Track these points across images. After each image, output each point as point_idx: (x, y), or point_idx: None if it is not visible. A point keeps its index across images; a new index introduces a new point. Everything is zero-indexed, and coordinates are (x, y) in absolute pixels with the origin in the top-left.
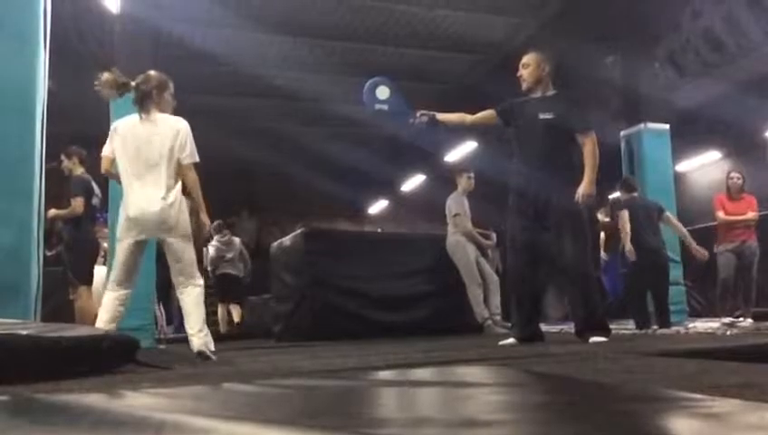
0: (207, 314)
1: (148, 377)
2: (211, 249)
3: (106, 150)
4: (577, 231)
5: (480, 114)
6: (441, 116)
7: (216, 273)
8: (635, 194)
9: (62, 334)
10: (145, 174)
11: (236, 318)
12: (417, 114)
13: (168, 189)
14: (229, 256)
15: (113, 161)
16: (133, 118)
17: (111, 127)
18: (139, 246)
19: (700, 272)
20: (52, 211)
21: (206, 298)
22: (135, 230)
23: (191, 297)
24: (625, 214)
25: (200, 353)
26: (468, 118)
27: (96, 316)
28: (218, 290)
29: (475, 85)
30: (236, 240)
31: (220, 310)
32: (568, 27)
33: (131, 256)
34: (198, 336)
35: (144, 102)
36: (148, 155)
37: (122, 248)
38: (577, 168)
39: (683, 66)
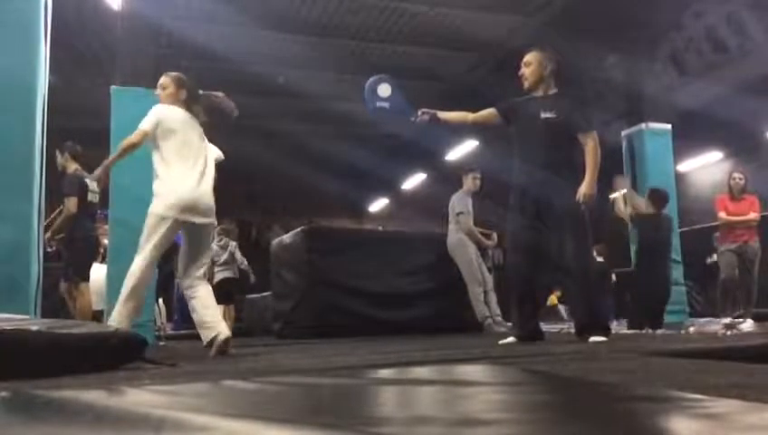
0: None
1: (149, 374)
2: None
3: (146, 126)
4: (578, 230)
5: (481, 113)
6: (442, 114)
7: (215, 280)
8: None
9: (71, 331)
10: (187, 160)
11: (229, 320)
12: (419, 112)
13: (207, 174)
14: (223, 258)
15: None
16: (178, 110)
17: (156, 111)
18: (176, 227)
19: (701, 272)
20: (49, 234)
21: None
22: (175, 211)
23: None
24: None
25: (227, 341)
26: (470, 116)
27: (93, 313)
28: (218, 295)
29: (476, 84)
30: (233, 243)
31: (222, 311)
32: (570, 26)
33: (167, 237)
34: (225, 320)
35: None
36: (191, 143)
37: (162, 229)
38: (578, 167)
39: (685, 66)
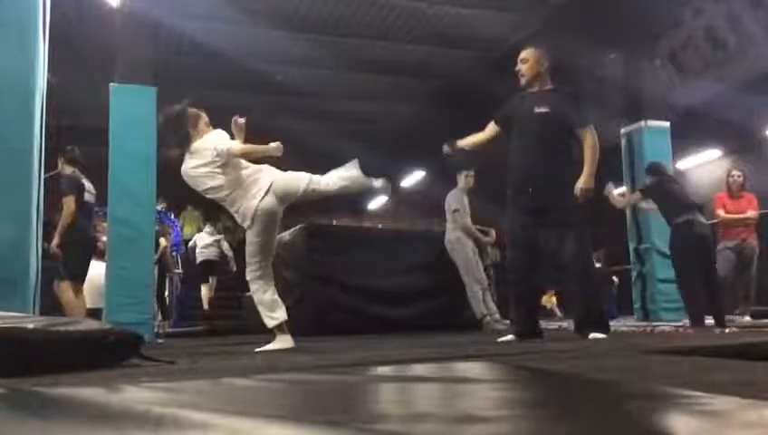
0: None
1: (148, 371)
2: (195, 238)
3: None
4: (575, 226)
5: (487, 131)
6: (462, 143)
7: (198, 260)
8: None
9: (67, 328)
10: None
11: (207, 295)
12: (444, 148)
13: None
14: (207, 241)
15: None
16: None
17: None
18: None
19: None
20: (57, 239)
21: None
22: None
23: None
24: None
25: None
26: (481, 137)
27: (90, 311)
28: (203, 274)
29: (475, 82)
30: (219, 235)
31: (204, 290)
32: (569, 24)
33: None
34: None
35: (186, 140)
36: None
37: None
38: (576, 162)
39: (684, 64)
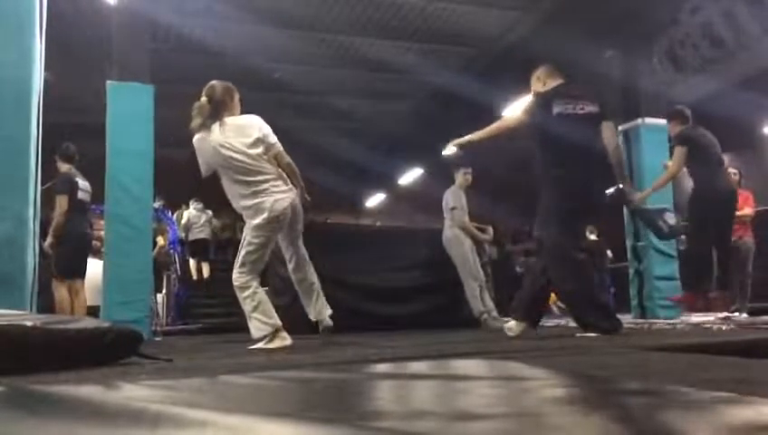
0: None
1: (146, 369)
2: (186, 215)
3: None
4: (542, 222)
5: None
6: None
7: (189, 238)
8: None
9: (66, 326)
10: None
11: (206, 274)
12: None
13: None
14: (202, 221)
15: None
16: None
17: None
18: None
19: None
20: (51, 239)
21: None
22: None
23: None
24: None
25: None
26: None
27: (88, 308)
28: (191, 251)
29: (473, 80)
30: (208, 211)
31: (192, 264)
32: (566, 21)
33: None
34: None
35: (219, 110)
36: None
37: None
38: (549, 161)
39: (681, 61)
